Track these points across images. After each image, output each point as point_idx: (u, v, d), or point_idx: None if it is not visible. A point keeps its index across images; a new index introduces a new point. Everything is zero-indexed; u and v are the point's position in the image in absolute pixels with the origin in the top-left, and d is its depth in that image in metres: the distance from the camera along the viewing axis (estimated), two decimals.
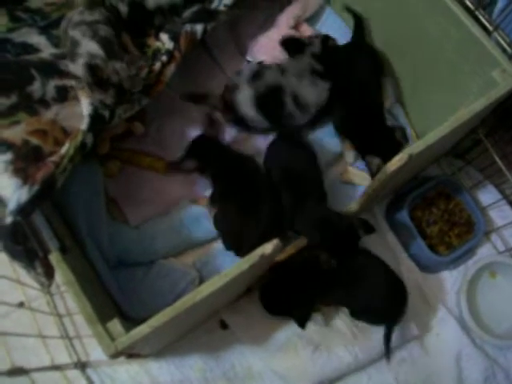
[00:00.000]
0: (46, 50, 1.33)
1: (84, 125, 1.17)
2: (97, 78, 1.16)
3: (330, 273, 1.35)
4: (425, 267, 1.55)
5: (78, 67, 1.21)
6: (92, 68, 1.16)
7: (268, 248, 1.06)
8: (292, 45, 1.54)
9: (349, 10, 1.63)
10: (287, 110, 1.50)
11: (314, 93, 1.50)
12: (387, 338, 1.40)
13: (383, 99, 1.58)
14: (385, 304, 1.40)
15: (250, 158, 1.46)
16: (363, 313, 1.42)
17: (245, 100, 1.49)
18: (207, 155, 1.45)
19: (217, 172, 1.44)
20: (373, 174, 1.51)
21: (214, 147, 1.47)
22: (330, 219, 1.30)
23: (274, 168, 1.41)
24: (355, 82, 1.55)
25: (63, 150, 1.12)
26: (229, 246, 1.42)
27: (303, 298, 1.37)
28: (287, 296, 1.37)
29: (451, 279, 1.57)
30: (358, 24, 1.61)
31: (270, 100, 1.48)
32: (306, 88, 1.50)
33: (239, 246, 1.37)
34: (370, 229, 1.33)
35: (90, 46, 1.19)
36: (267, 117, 1.50)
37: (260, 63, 1.54)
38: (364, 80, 1.55)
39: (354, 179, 1.56)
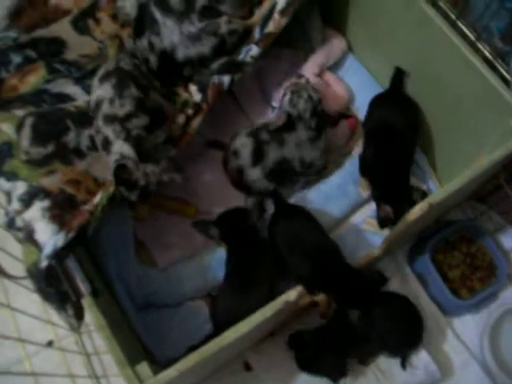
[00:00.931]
0: (81, 98, 1.40)
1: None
2: (124, 180, 1.19)
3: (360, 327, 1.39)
4: (447, 311, 1.56)
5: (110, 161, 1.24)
6: (121, 169, 1.19)
7: (292, 295, 1.08)
8: (284, 124, 1.51)
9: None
10: (297, 172, 1.55)
11: (316, 152, 1.54)
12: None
13: (413, 156, 1.60)
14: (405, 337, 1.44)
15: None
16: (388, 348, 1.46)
17: (256, 179, 1.52)
18: (229, 233, 1.45)
19: (232, 251, 1.45)
20: (380, 221, 1.51)
21: (238, 228, 1.45)
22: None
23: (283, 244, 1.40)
24: (391, 128, 1.54)
25: (96, 199, 1.18)
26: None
27: (337, 356, 1.39)
28: (321, 354, 1.39)
29: (473, 323, 1.56)
30: (398, 73, 1.62)
31: (281, 171, 1.52)
32: (308, 151, 1.53)
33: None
34: (383, 280, 1.38)
35: (121, 148, 1.21)
36: (279, 183, 1.54)
37: (254, 133, 1.53)
38: (400, 129, 1.53)
39: (376, 229, 1.57)
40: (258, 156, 1.50)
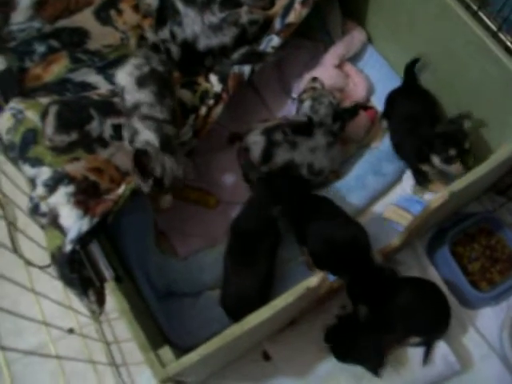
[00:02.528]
0: (104, 87, 1.41)
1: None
2: (141, 166, 1.19)
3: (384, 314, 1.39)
4: (466, 303, 1.55)
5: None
6: (141, 154, 1.20)
7: (313, 281, 1.09)
8: (302, 129, 1.53)
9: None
10: (304, 178, 1.55)
11: (328, 159, 1.54)
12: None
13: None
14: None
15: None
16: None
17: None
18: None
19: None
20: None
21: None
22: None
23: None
24: (409, 116, 1.58)
25: (120, 190, 1.19)
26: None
27: (370, 343, 1.39)
28: (355, 342, 1.39)
29: (493, 315, 1.56)
30: (411, 66, 1.64)
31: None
32: (321, 158, 1.53)
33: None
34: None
35: (148, 136, 1.23)
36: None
37: (268, 132, 1.52)
38: (417, 115, 1.57)
39: (396, 218, 1.57)
40: (266, 156, 1.51)
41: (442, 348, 1.45)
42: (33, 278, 1.47)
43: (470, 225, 1.59)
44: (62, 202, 1.13)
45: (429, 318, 1.43)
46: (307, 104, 1.51)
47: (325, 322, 1.44)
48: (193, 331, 1.44)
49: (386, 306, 1.38)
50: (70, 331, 1.49)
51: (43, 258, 1.22)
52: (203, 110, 1.38)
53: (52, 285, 1.42)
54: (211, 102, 1.38)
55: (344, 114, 1.51)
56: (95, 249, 1.14)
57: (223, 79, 1.41)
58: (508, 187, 1.63)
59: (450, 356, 1.45)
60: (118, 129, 1.33)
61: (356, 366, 1.41)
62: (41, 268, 1.32)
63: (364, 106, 1.68)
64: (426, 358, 1.44)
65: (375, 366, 1.36)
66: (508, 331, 1.49)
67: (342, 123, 1.52)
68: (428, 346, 1.44)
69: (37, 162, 1.20)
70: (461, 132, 1.45)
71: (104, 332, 1.53)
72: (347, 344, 1.39)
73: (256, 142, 1.52)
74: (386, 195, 1.65)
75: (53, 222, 1.12)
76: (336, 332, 1.41)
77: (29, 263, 1.23)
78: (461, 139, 1.44)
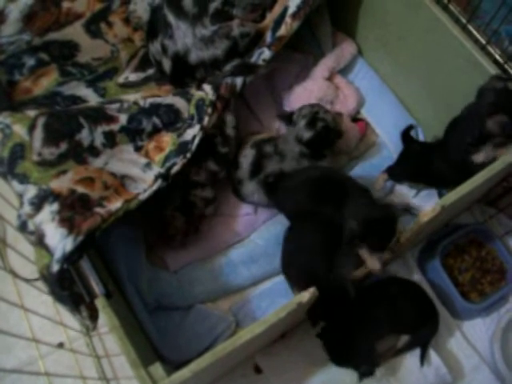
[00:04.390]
0: (93, 101, 1.41)
1: (144, 195, 1.24)
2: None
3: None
4: (457, 314, 1.55)
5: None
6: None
7: (305, 296, 1.09)
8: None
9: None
10: None
11: None
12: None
13: None
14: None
15: None
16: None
17: (251, 192, 1.54)
18: None
19: None
20: None
21: None
22: None
23: None
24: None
25: (113, 207, 1.17)
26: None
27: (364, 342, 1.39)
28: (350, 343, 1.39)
29: (484, 327, 1.56)
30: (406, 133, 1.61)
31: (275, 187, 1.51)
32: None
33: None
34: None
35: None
36: (272, 200, 1.54)
37: (258, 145, 1.53)
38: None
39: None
40: (255, 168, 1.51)
41: (433, 360, 1.45)
42: (22, 293, 1.46)
43: (460, 236, 1.59)
44: (47, 220, 1.11)
45: (413, 314, 1.44)
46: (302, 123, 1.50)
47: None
48: (184, 345, 1.43)
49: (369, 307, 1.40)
50: (60, 345, 1.48)
51: (33, 271, 1.21)
52: (206, 120, 1.37)
53: (41, 299, 1.41)
54: (209, 110, 1.38)
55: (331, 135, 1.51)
56: (85, 265, 1.12)
57: (217, 88, 1.41)
58: (498, 198, 1.64)
59: (441, 368, 1.45)
60: (109, 136, 1.32)
61: (348, 378, 1.41)
62: (28, 281, 1.31)
63: (355, 118, 1.69)
64: (423, 359, 1.44)
65: (368, 366, 1.37)
66: (499, 343, 1.49)
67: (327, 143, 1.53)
68: (423, 348, 1.45)
69: (24, 179, 1.18)
70: None
71: (94, 346, 1.52)
72: (340, 344, 1.39)
73: (245, 155, 1.52)
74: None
75: (39, 241, 1.11)
76: (330, 330, 1.40)
77: (16, 276, 1.22)
78: None
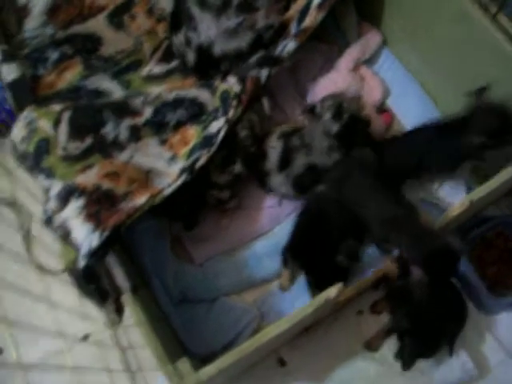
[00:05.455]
0: (118, 94, 1.41)
1: (168, 190, 1.23)
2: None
3: None
4: (483, 308, 1.53)
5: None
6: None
7: (332, 292, 1.08)
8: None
9: None
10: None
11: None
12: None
13: None
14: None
15: None
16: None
17: (279, 184, 1.52)
18: None
19: None
20: None
21: None
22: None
23: None
24: None
25: (139, 202, 1.17)
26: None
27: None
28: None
29: (510, 321, 1.54)
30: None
31: (306, 179, 1.49)
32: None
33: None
34: None
35: None
36: (302, 192, 1.52)
37: (285, 137, 1.52)
38: None
39: None
40: (285, 162, 1.50)
41: (459, 355, 1.44)
42: (48, 285, 1.47)
43: (486, 229, 1.57)
44: (73, 215, 1.12)
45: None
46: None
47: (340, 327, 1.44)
48: (209, 338, 1.43)
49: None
50: (85, 338, 1.49)
51: (57, 263, 1.21)
52: (231, 113, 1.36)
53: (67, 291, 1.41)
54: (234, 102, 1.37)
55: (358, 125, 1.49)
56: (111, 260, 1.13)
57: (242, 81, 1.40)
58: None
59: (468, 363, 1.44)
60: (134, 130, 1.32)
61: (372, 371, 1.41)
62: (54, 274, 1.31)
63: (380, 109, 1.67)
64: (451, 351, 1.42)
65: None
66: None
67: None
68: (451, 340, 1.43)
69: (50, 174, 1.19)
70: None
71: (119, 338, 1.52)
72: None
73: (274, 146, 1.51)
74: None
75: (65, 236, 1.11)
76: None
77: (42, 269, 1.22)
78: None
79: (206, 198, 1.44)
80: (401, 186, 1.49)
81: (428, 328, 1.36)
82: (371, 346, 1.47)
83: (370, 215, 1.32)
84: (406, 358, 1.37)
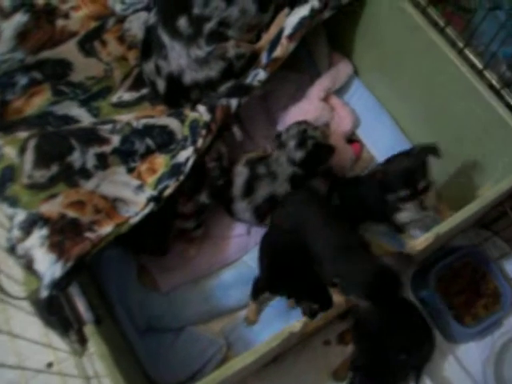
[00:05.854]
0: (86, 121, 1.39)
1: (135, 219, 1.22)
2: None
3: None
4: (451, 338, 1.54)
5: None
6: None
7: (296, 326, 1.07)
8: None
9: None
10: None
11: None
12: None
13: None
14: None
15: None
16: None
17: (242, 211, 1.53)
18: None
19: None
20: None
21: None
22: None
23: None
24: None
25: (103, 232, 1.16)
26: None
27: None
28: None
29: (477, 351, 1.55)
30: None
31: (267, 207, 1.51)
32: None
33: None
34: None
35: None
36: (261, 220, 1.54)
37: (251, 164, 1.53)
38: None
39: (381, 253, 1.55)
40: (249, 189, 1.50)
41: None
42: (11, 311, 1.44)
43: (454, 260, 1.58)
44: (36, 245, 1.10)
45: (408, 335, 1.41)
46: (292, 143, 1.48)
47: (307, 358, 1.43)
48: (174, 368, 1.41)
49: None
50: (49, 366, 1.46)
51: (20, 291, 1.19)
52: (200, 142, 1.35)
53: (30, 319, 1.39)
54: (203, 132, 1.36)
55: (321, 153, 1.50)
56: (74, 291, 1.11)
57: (211, 110, 1.39)
58: (493, 221, 1.63)
59: None
60: (101, 158, 1.30)
61: None
62: (16, 299, 1.29)
63: (350, 139, 1.68)
64: (418, 381, 1.43)
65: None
66: (492, 368, 1.48)
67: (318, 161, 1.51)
68: (418, 371, 1.43)
69: (14, 202, 1.17)
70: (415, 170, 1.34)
71: (84, 366, 1.50)
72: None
73: (239, 173, 1.51)
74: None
75: (28, 265, 1.09)
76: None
77: (4, 292, 1.19)
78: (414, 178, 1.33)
79: (171, 228, 1.43)
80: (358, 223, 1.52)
81: (384, 364, 1.36)
82: (338, 375, 1.47)
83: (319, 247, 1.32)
84: None
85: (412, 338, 1.42)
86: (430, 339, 1.47)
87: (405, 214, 1.39)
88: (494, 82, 1.39)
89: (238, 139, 1.53)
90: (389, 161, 1.38)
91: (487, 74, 1.41)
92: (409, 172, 1.32)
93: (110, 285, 1.41)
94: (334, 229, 1.34)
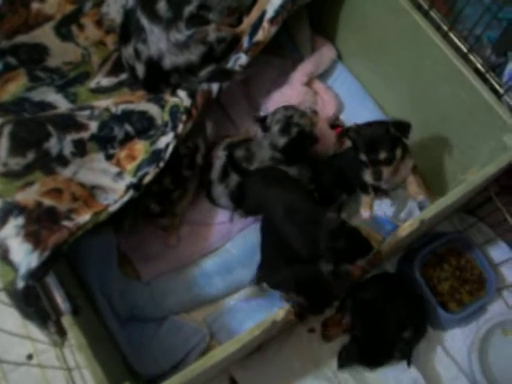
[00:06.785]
0: (63, 107, 1.36)
1: (114, 206, 1.20)
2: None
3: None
4: (436, 324, 1.54)
5: None
6: None
7: (279, 314, 1.06)
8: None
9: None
10: None
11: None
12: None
13: None
14: None
15: None
16: None
17: (219, 195, 1.51)
18: None
19: None
20: None
21: None
22: None
23: None
24: None
25: (81, 220, 1.13)
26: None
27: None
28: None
29: (462, 337, 1.54)
30: None
31: (241, 193, 1.48)
32: None
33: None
34: None
35: None
36: (237, 205, 1.52)
37: (230, 148, 1.52)
38: None
39: None
40: (224, 172, 1.49)
41: (412, 372, 1.44)
42: None
43: (439, 245, 1.57)
44: (11, 234, 1.07)
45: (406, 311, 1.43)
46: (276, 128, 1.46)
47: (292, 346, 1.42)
48: (157, 358, 1.39)
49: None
50: (29, 358, 1.43)
51: None
52: (180, 128, 1.33)
53: (9, 310, 1.36)
54: (184, 117, 1.33)
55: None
56: (51, 281, 1.08)
57: (192, 95, 1.37)
58: (477, 206, 1.62)
59: (419, 379, 1.44)
60: (79, 145, 1.27)
61: None
62: None
63: (333, 124, 1.66)
64: (409, 360, 1.43)
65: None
66: (477, 354, 1.48)
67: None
68: (409, 351, 1.44)
69: None
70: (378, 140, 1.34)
71: (65, 358, 1.47)
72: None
73: (218, 156, 1.50)
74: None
75: (4, 256, 1.06)
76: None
77: None
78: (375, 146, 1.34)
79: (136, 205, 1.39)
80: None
81: (377, 336, 1.38)
82: (329, 336, 1.47)
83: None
84: (344, 359, 1.40)
85: (410, 314, 1.44)
86: (424, 318, 1.49)
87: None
88: (479, 65, 1.38)
89: (209, 136, 1.51)
90: (367, 124, 1.37)
91: (472, 57, 1.40)
92: (372, 139, 1.33)
93: (90, 274, 1.38)
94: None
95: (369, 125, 1.37)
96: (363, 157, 1.33)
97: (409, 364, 1.42)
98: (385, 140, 1.31)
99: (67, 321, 1.07)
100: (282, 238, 1.24)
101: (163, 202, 1.43)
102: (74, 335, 1.06)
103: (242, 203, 1.47)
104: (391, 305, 1.42)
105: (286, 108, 1.47)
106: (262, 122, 1.49)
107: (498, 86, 1.36)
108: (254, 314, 1.42)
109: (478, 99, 1.30)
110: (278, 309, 1.10)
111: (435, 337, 1.53)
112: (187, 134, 1.35)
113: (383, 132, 1.32)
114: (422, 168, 1.62)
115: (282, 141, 1.44)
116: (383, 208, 1.61)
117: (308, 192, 1.44)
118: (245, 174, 1.47)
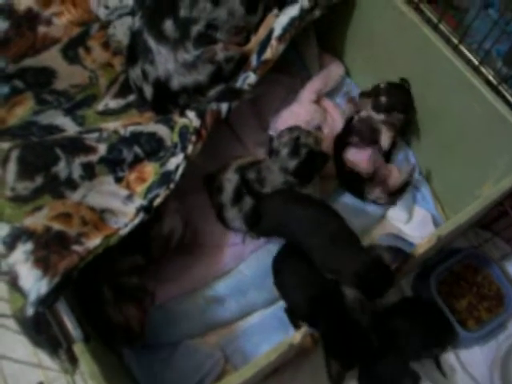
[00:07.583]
0: (71, 130, 1.35)
1: (125, 230, 1.18)
2: None
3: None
4: (454, 342, 1.49)
5: None
6: None
7: (296, 337, 1.03)
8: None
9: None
10: None
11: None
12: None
13: None
14: None
15: None
16: None
17: (232, 218, 1.48)
18: None
19: None
20: None
21: None
22: None
23: None
24: None
25: (92, 244, 1.11)
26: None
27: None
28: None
29: (482, 355, 1.50)
30: None
31: (256, 216, 1.45)
32: None
33: None
34: None
35: None
36: (252, 228, 1.49)
37: (241, 171, 1.48)
38: None
39: None
40: (237, 195, 1.46)
41: None
42: None
43: (454, 262, 1.54)
44: (20, 260, 1.05)
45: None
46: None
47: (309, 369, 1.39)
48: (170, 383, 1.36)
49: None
50: None
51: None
52: (190, 149, 1.31)
53: (19, 338, 1.34)
54: (193, 138, 1.32)
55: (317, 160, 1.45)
56: (61, 307, 1.06)
57: (201, 115, 1.35)
58: (493, 221, 1.59)
59: None
60: (88, 168, 1.26)
61: None
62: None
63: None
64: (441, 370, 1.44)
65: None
66: (499, 372, 1.44)
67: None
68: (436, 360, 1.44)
69: None
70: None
71: None
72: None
73: (229, 179, 1.47)
74: (369, 235, 1.60)
75: (13, 282, 1.04)
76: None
77: None
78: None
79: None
80: None
81: None
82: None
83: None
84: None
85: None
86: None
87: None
88: (490, 77, 1.37)
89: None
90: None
91: (483, 69, 1.39)
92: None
93: None
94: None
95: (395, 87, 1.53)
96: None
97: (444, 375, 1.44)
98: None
99: (78, 348, 1.04)
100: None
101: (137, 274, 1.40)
102: (85, 363, 1.03)
103: (258, 225, 1.44)
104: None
105: (290, 130, 1.44)
106: (269, 145, 1.47)
107: (510, 98, 1.35)
108: (268, 336, 1.39)
109: (492, 111, 1.28)
110: (294, 332, 1.07)
111: (454, 355, 1.49)
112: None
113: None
114: (437, 185, 1.61)
115: (292, 164, 1.40)
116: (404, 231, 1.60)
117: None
118: (259, 197, 1.44)
